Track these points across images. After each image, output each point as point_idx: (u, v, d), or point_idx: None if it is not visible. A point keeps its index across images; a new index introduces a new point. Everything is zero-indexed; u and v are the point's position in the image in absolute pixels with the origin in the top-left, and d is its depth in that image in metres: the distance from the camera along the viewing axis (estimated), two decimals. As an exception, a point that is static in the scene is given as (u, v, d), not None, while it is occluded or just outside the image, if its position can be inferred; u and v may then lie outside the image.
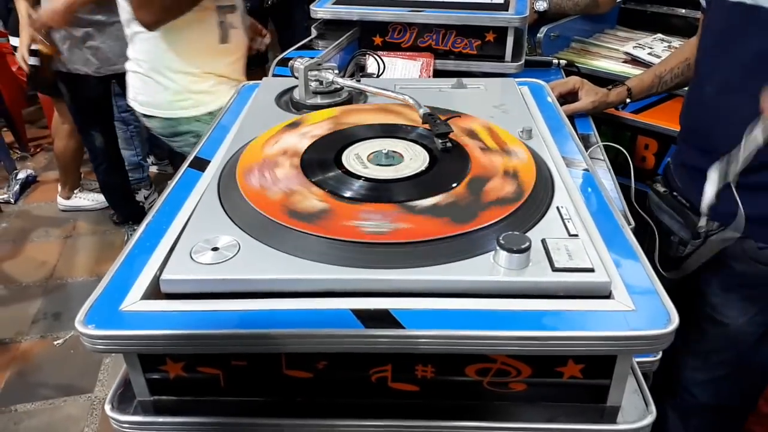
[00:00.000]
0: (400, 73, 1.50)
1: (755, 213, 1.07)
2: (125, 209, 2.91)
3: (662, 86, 1.42)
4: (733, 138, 1.02)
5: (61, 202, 3.15)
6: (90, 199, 3.18)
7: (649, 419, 0.61)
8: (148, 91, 1.67)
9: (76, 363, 2.24)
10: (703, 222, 1.15)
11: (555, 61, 1.79)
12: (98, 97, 2.55)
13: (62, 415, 2.04)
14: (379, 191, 0.72)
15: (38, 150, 3.80)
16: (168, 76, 1.61)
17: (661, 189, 1.25)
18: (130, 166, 3.07)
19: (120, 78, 2.45)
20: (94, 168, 2.80)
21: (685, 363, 1.23)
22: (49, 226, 3.07)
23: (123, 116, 2.87)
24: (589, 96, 1.42)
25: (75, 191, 3.16)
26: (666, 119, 1.74)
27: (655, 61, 1.81)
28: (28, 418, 2.03)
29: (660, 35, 2.04)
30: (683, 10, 2.16)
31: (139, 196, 3.08)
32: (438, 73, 1.54)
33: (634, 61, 1.88)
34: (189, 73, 1.60)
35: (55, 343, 2.33)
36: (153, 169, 3.40)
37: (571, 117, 1.36)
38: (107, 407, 0.63)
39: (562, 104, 1.23)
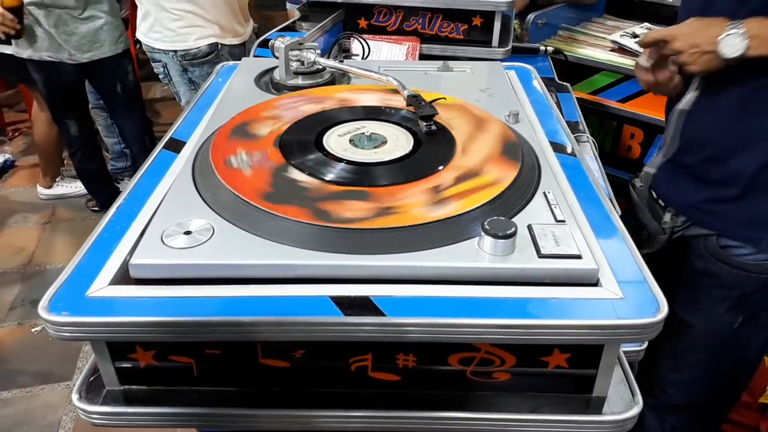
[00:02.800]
0: (385, 57, 1.47)
1: (714, 208, 1.06)
2: (103, 196, 2.85)
3: None
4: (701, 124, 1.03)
5: (42, 191, 3.08)
6: (71, 186, 3.11)
7: (636, 410, 0.59)
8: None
9: (53, 350, 2.20)
10: (667, 218, 1.14)
11: (542, 48, 1.77)
12: (71, 85, 2.48)
13: (40, 403, 2.00)
14: (361, 174, 0.70)
15: (16, 134, 3.71)
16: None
17: (639, 184, 1.24)
18: (114, 154, 3.01)
19: (94, 66, 2.41)
20: (70, 155, 2.74)
21: (659, 363, 1.23)
22: (28, 211, 3.01)
23: (101, 103, 2.81)
24: None
25: (56, 179, 3.09)
26: (652, 109, 1.74)
27: (642, 49, 1.80)
28: (4, 406, 1.99)
29: (647, 24, 2.03)
30: (670, 0, 2.15)
31: (123, 185, 3.02)
32: (424, 58, 1.51)
33: (621, 49, 1.86)
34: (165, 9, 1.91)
35: (33, 330, 2.28)
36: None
37: (558, 104, 1.34)
38: (74, 397, 0.61)
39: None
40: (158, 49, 2.06)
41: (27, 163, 3.41)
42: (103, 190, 2.84)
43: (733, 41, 0.89)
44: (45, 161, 3.02)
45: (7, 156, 3.40)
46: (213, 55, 2.05)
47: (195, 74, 2.07)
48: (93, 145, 2.73)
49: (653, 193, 1.19)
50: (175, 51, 2.03)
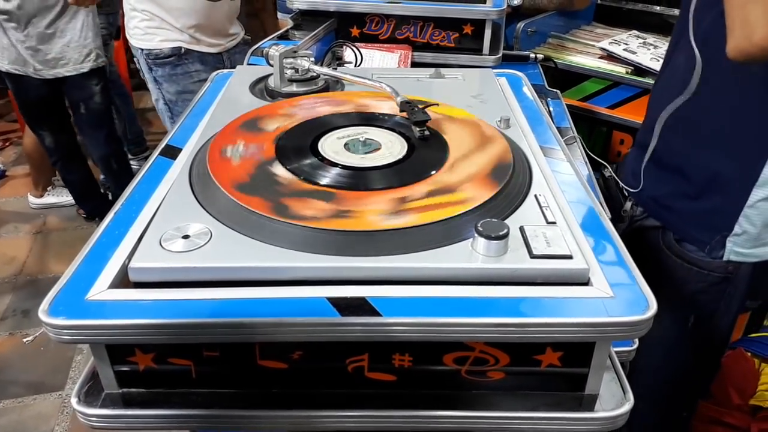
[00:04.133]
0: (377, 65, 1.49)
1: (670, 203, 1.08)
2: (88, 205, 2.82)
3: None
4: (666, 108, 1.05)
5: (33, 200, 3.07)
6: (62, 196, 3.10)
7: (627, 407, 0.60)
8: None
9: (46, 360, 2.19)
10: (628, 206, 1.16)
11: (532, 55, 1.79)
12: (41, 99, 2.41)
13: (32, 413, 1.99)
14: (356, 179, 0.71)
15: (7, 144, 3.71)
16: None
17: (608, 174, 1.26)
18: None
19: (60, 82, 2.33)
20: (52, 164, 2.72)
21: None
22: (19, 221, 3.00)
23: None
24: None
25: (47, 189, 3.08)
26: (641, 115, 1.75)
27: (631, 57, 1.83)
28: (-4, 417, 1.98)
29: (635, 32, 2.06)
30: (658, 8, 2.18)
31: None
32: (416, 66, 1.53)
33: (610, 56, 1.89)
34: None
35: (25, 340, 2.28)
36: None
37: (548, 111, 1.36)
38: (73, 400, 0.61)
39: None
40: (133, 46, 2.10)
41: (18, 173, 3.41)
42: (88, 199, 2.81)
43: None
44: (35, 171, 3.01)
45: (-1, 167, 3.39)
46: (174, 57, 2.06)
47: (158, 74, 2.09)
48: (74, 156, 2.67)
49: (618, 181, 1.21)
50: (142, 49, 2.07)
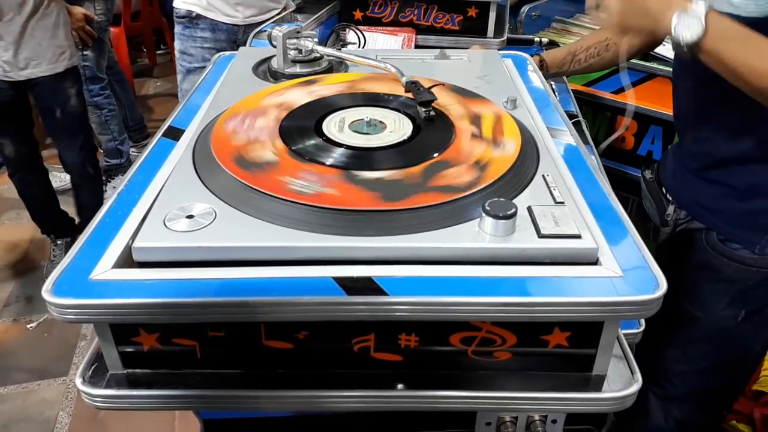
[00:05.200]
0: (381, 48, 1.47)
1: (715, 206, 1.07)
2: (48, 224, 2.52)
3: (575, 64, 1.35)
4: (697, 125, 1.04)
5: None
6: (56, 180, 3.08)
7: (635, 387, 0.60)
8: None
9: (49, 346, 2.19)
10: (671, 210, 1.15)
11: (537, 39, 1.78)
12: (8, 105, 2.17)
13: (37, 399, 2.00)
14: (362, 159, 0.70)
15: None
16: None
17: (648, 176, 1.25)
18: (107, 151, 2.98)
19: (33, 85, 2.13)
20: (9, 176, 2.40)
21: (665, 353, 1.23)
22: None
23: (95, 101, 2.77)
24: None
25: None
26: (645, 100, 1.75)
27: None
28: (1, 402, 1.98)
29: (640, 15, 2.03)
30: (664, -9, 2.15)
31: (115, 182, 2.99)
32: (419, 49, 1.52)
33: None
34: None
35: (28, 326, 2.28)
36: (133, 151, 3.32)
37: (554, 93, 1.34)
38: (78, 381, 0.61)
39: None
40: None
41: (19, 160, 3.37)
42: (46, 216, 2.53)
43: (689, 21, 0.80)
44: None
45: (-5, 155, 3.36)
46: (186, 19, 2.07)
47: (176, 29, 2.13)
48: (35, 168, 2.42)
49: (660, 186, 1.20)
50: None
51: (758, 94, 0.85)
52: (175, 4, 2.09)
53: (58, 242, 2.52)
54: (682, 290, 1.16)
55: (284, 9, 2.15)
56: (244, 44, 1.17)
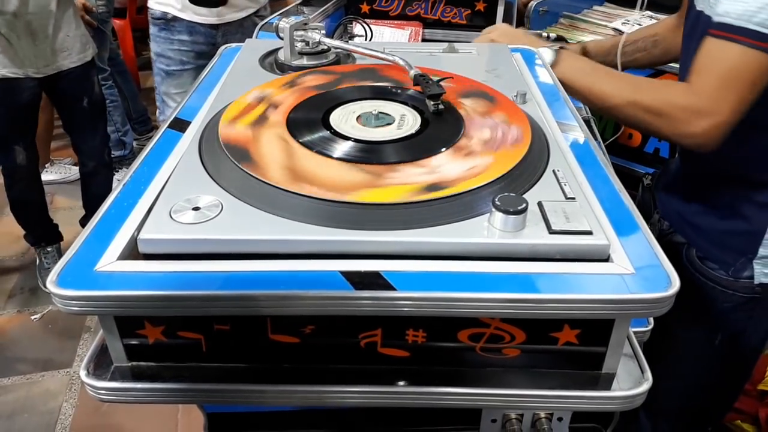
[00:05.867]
0: (387, 42, 1.46)
1: (695, 221, 1.06)
2: (38, 229, 2.50)
3: (621, 57, 1.34)
4: None
5: None
6: (62, 172, 3.08)
7: (646, 386, 0.59)
8: None
9: (53, 338, 2.20)
10: (655, 218, 1.14)
11: (544, 34, 1.76)
12: (34, 104, 2.17)
13: (40, 390, 2.00)
14: (371, 152, 0.70)
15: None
16: None
17: (647, 182, 1.25)
18: (111, 143, 2.98)
19: (59, 79, 2.14)
20: (7, 187, 2.35)
21: (652, 367, 1.23)
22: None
23: None
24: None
25: (46, 166, 3.06)
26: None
27: None
28: (4, 393, 1.99)
29: (648, 12, 2.02)
30: (673, -13, 2.14)
31: (119, 175, 2.99)
32: (427, 43, 1.51)
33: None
34: None
35: (33, 318, 2.29)
36: (135, 144, 3.31)
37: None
38: (82, 373, 0.60)
39: None
40: None
41: (25, 152, 3.38)
42: (39, 224, 2.50)
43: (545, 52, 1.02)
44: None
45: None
46: (162, 21, 2.06)
47: (152, 30, 2.13)
48: (37, 175, 2.42)
49: (653, 193, 1.19)
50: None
51: (603, 112, 1.01)
52: (149, 5, 2.04)
53: (49, 249, 2.49)
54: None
55: (264, 8, 2.13)
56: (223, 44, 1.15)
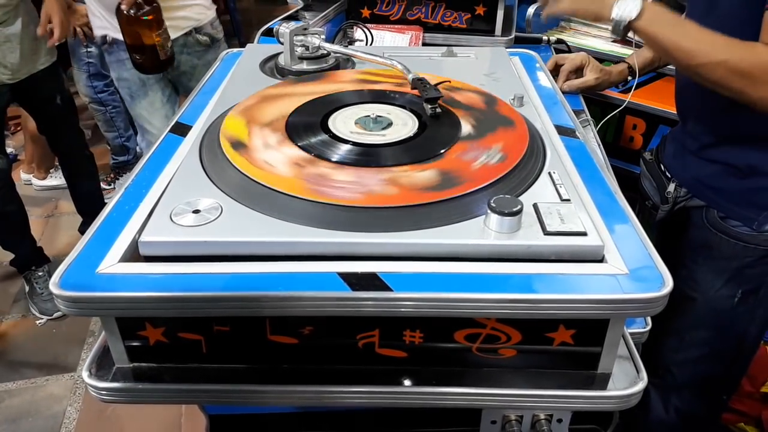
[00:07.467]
0: (388, 46, 1.47)
1: (715, 184, 1.07)
2: (22, 248, 2.33)
3: (663, 60, 1.42)
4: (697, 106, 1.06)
5: (37, 182, 3.07)
6: (54, 178, 3.09)
7: (641, 385, 0.60)
8: None
9: (58, 342, 2.21)
10: (671, 188, 1.16)
11: (545, 38, 1.77)
12: (4, 111, 2.11)
13: (44, 394, 2.01)
14: (368, 156, 0.70)
15: (18, 128, 3.71)
16: None
17: (648, 157, 1.26)
18: (115, 148, 2.99)
19: (31, 81, 2.07)
20: None
21: (663, 343, 1.23)
22: (31, 205, 2.99)
23: (100, 97, 2.77)
24: (593, 72, 1.41)
25: (51, 171, 3.08)
26: (654, 99, 1.73)
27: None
28: (9, 396, 2.00)
29: (650, 14, 2.02)
30: (673, -10, 2.14)
31: (122, 180, 2.99)
32: (426, 47, 1.51)
33: (624, 40, 1.86)
34: None
35: (38, 322, 2.29)
36: (137, 149, 3.32)
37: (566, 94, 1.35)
38: (85, 374, 0.61)
39: (566, 80, 1.25)
40: None
41: (30, 158, 3.40)
42: (21, 240, 2.34)
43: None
44: (39, 153, 3.00)
45: (10, 150, 3.39)
46: (106, 45, 2.01)
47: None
48: (12, 183, 2.27)
49: (660, 164, 1.21)
50: None
51: (685, 70, 0.94)
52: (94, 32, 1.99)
53: (40, 273, 2.35)
54: (679, 272, 1.16)
55: (211, 25, 2.06)
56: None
